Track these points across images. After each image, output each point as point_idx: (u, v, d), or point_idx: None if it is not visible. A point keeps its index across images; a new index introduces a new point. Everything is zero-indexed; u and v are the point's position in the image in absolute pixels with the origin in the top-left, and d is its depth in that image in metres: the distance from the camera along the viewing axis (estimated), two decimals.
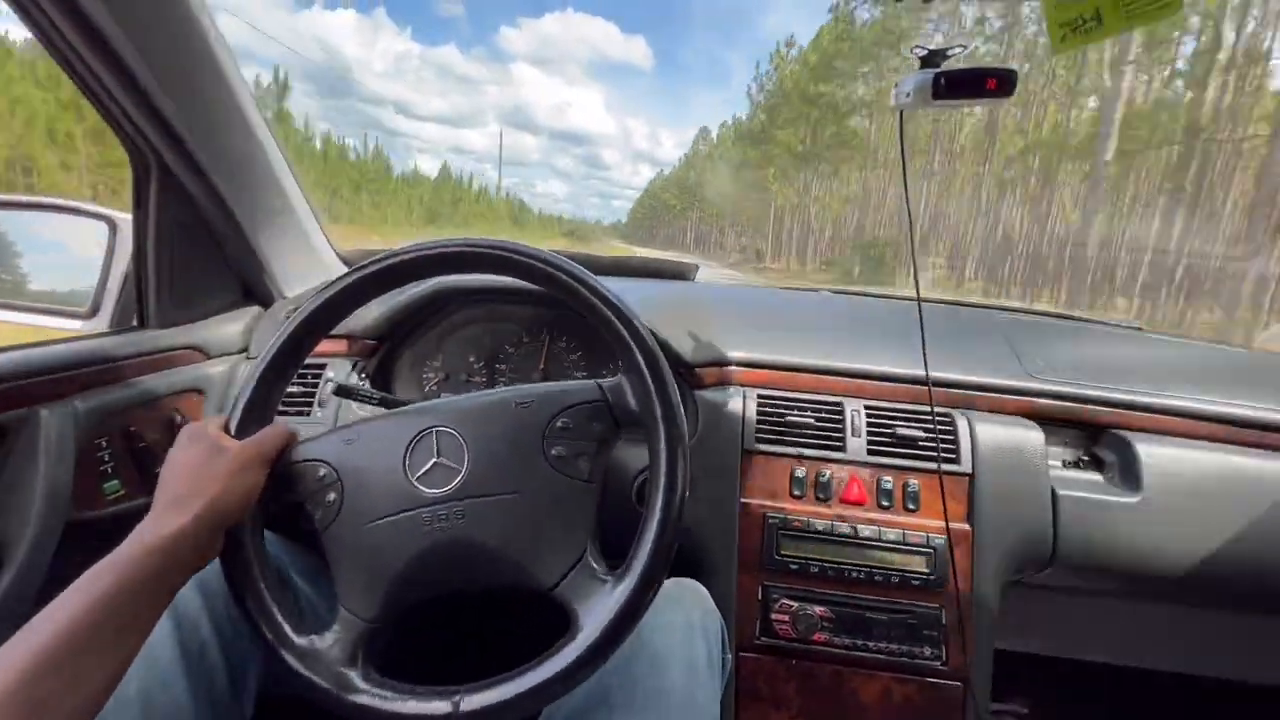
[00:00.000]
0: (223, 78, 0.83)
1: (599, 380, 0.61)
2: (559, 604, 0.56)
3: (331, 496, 0.59)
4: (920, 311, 0.75)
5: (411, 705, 0.52)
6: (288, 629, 0.56)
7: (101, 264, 0.95)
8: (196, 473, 0.54)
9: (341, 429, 0.63)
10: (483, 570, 0.57)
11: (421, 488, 0.58)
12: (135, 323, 0.96)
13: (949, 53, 0.68)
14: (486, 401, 0.61)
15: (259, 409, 0.62)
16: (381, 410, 0.74)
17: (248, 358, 1.03)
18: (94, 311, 0.95)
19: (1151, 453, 0.85)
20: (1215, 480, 0.84)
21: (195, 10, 0.76)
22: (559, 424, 0.59)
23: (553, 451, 0.58)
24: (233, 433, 0.59)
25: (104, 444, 0.83)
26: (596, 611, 0.53)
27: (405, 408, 0.65)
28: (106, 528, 0.82)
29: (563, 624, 0.54)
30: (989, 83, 0.58)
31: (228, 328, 1.03)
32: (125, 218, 0.95)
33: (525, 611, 0.59)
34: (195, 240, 0.96)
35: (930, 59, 0.68)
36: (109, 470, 0.84)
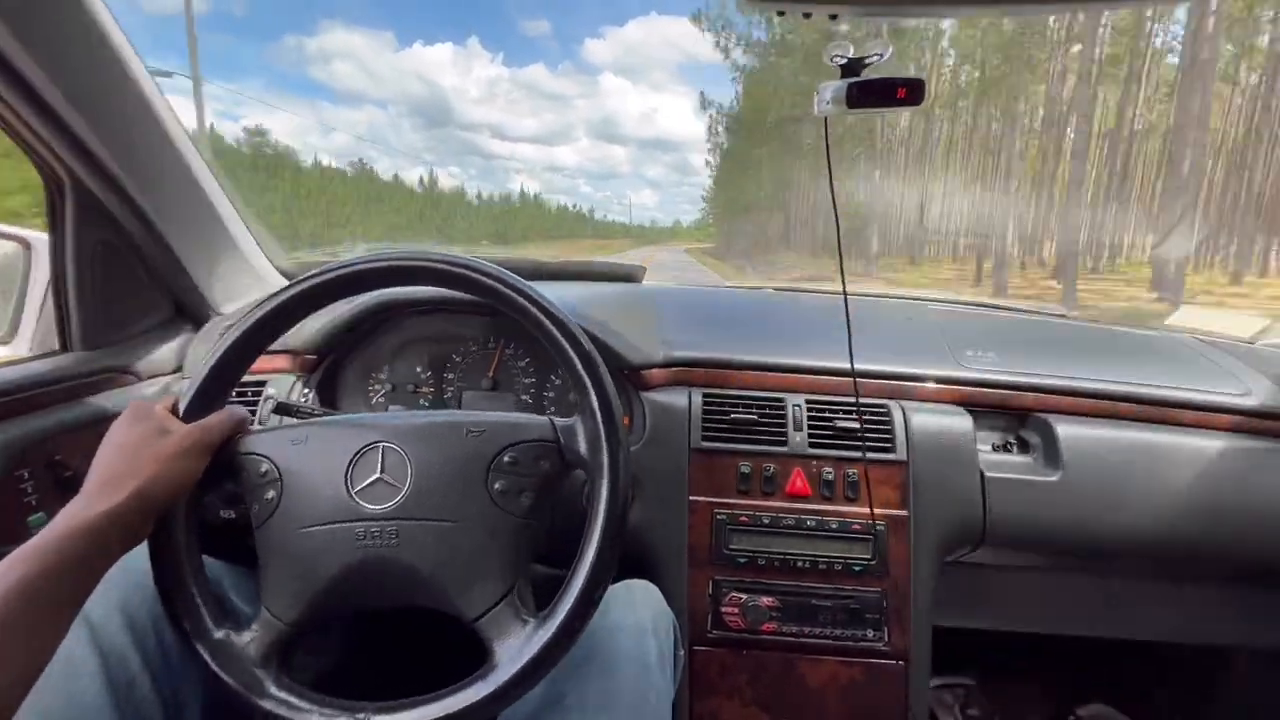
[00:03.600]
0: (138, 91, 0.80)
1: (553, 418, 0.62)
2: (479, 638, 0.56)
3: (270, 494, 0.59)
4: (846, 305, 0.78)
5: (315, 719, 0.53)
6: (208, 622, 0.56)
7: (17, 287, 0.91)
8: (135, 451, 0.52)
9: (291, 428, 0.63)
10: (409, 592, 0.58)
11: (360, 502, 0.58)
12: (58, 346, 0.92)
13: (867, 60, 0.71)
14: (438, 423, 0.61)
15: (211, 396, 0.61)
16: (320, 418, 0.73)
17: (181, 378, 1.00)
18: (11, 335, 0.91)
19: (1070, 433, 0.90)
20: (1128, 456, 0.90)
21: (101, 22, 0.73)
22: (506, 458, 0.59)
23: (496, 485, 0.58)
24: (181, 415, 0.59)
25: (26, 475, 0.80)
26: (512, 652, 0.54)
27: (358, 417, 0.65)
28: None
29: (481, 656, 0.55)
30: (899, 91, 0.61)
31: (159, 348, 1.00)
32: (41, 237, 0.91)
33: (448, 636, 0.60)
34: (120, 259, 0.93)
35: (850, 67, 0.70)
36: (33, 503, 0.80)
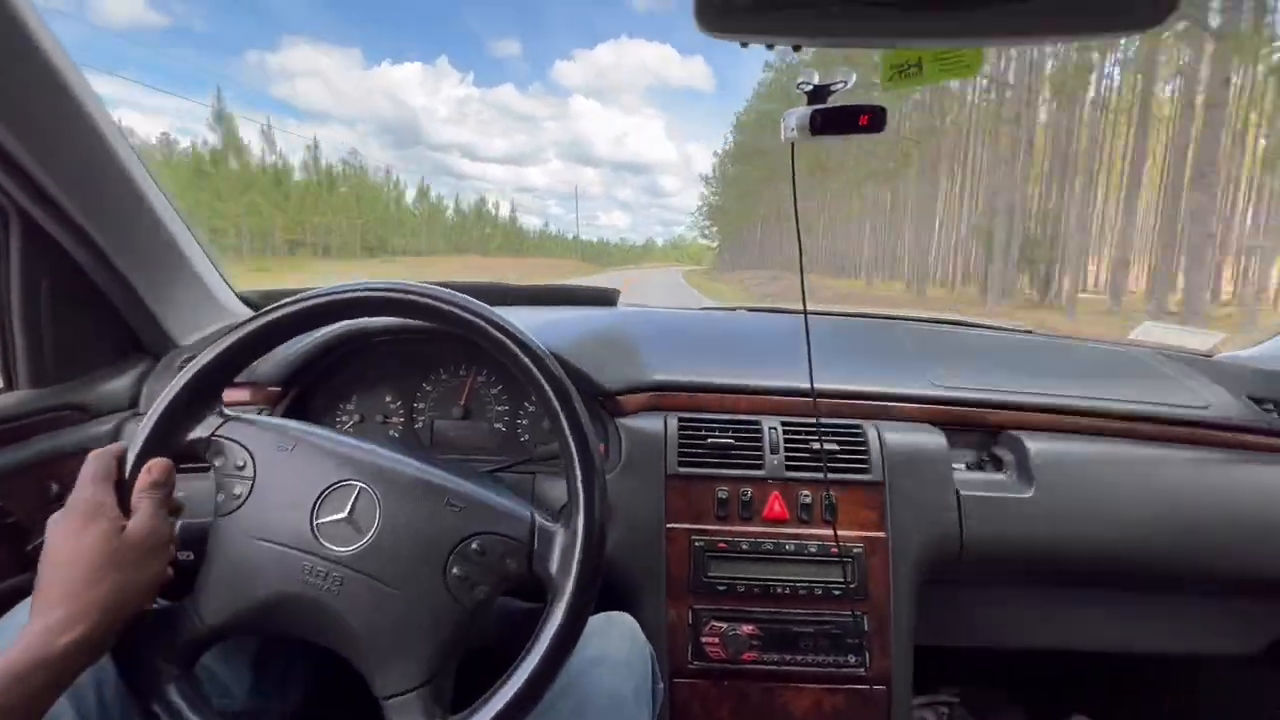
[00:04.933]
0: (85, 114, 0.77)
1: (539, 517, 0.59)
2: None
3: (239, 490, 0.58)
4: (806, 325, 0.77)
5: None
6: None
7: None
8: (92, 561, 0.47)
9: (285, 429, 0.61)
10: (334, 640, 0.56)
11: (319, 537, 0.56)
12: (1, 384, 0.87)
13: (833, 87, 0.72)
14: (424, 481, 0.59)
15: (164, 441, 0.59)
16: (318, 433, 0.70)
17: (137, 414, 0.96)
18: None
19: (1040, 449, 0.91)
20: (1097, 470, 0.92)
21: (43, 45, 0.70)
22: (474, 545, 0.57)
23: (454, 569, 0.56)
24: (130, 464, 0.56)
25: None
26: None
27: (350, 443, 0.62)
28: None
29: None
30: (861, 119, 0.62)
31: (114, 383, 0.96)
32: None
33: (358, 684, 0.58)
34: (70, 292, 0.89)
35: (816, 94, 0.71)
36: None
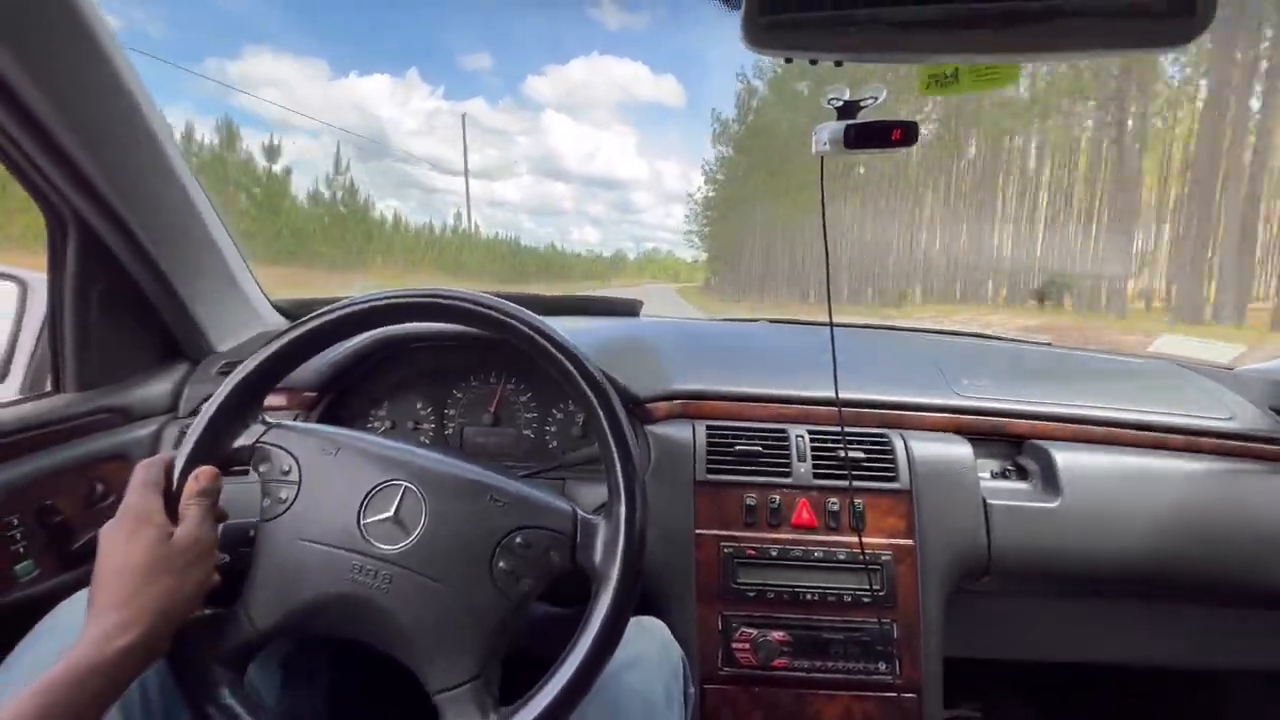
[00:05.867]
0: (147, 129, 0.80)
1: (579, 511, 0.60)
2: (437, 712, 0.54)
3: (285, 494, 0.59)
4: (832, 336, 0.79)
5: None
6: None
7: (10, 327, 0.90)
8: (144, 568, 0.49)
9: (325, 436, 0.63)
10: (383, 639, 0.57)
11: (367, 535, 0.58)
12: (49, 387, 0.90)
13: (863, 103, 0.74)
14: (466, 479, 0.61)
15: (208, 450, 0.60)
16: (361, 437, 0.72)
17: (175, 418, 0.98)
18: (2, 377, 0.89)
19: (1067, 459, 0.92)
20: (1124, 481, 0.92)
21: (112, 57, 0.73)
22: (519, 538, 0.58)
23: (500, 563, 0.57)
24: (178, 473, 0.57)
25: (15, 522, 0.77)
26: None
27: (392, 445, 0.64)
28: (19, 614, 0.75)
29: None
30: (894, 134, 0.64)
31: (153, 387, 0.98)
32: (38, 277, 0.90)
33: (385, 685, 0.59)
34: (118, 299, 0.92)
35: (846, 109, 0.73)
36: (21, 551, 0.77)
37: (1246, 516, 0.91)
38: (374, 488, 0.59)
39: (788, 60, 0.53)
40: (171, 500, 0.56)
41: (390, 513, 0.58)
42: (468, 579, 0.57)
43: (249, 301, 1.12)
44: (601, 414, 0.61)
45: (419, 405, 1.04)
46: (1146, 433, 0.97)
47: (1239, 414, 1.01)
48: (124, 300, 0.92)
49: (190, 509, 0.55)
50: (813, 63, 0.54)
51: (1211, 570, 0.91)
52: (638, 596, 0.58)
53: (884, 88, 0.74)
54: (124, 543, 0.50)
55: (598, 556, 0.58)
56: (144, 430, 0.95)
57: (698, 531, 0.88)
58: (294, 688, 0.79)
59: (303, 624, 0.58)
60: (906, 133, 0.64)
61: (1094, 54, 0.54)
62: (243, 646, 0.57)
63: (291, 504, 0.59)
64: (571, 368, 0.62)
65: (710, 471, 0.90)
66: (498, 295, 0.66)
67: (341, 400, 1.03)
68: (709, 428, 0.94)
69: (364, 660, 0.58)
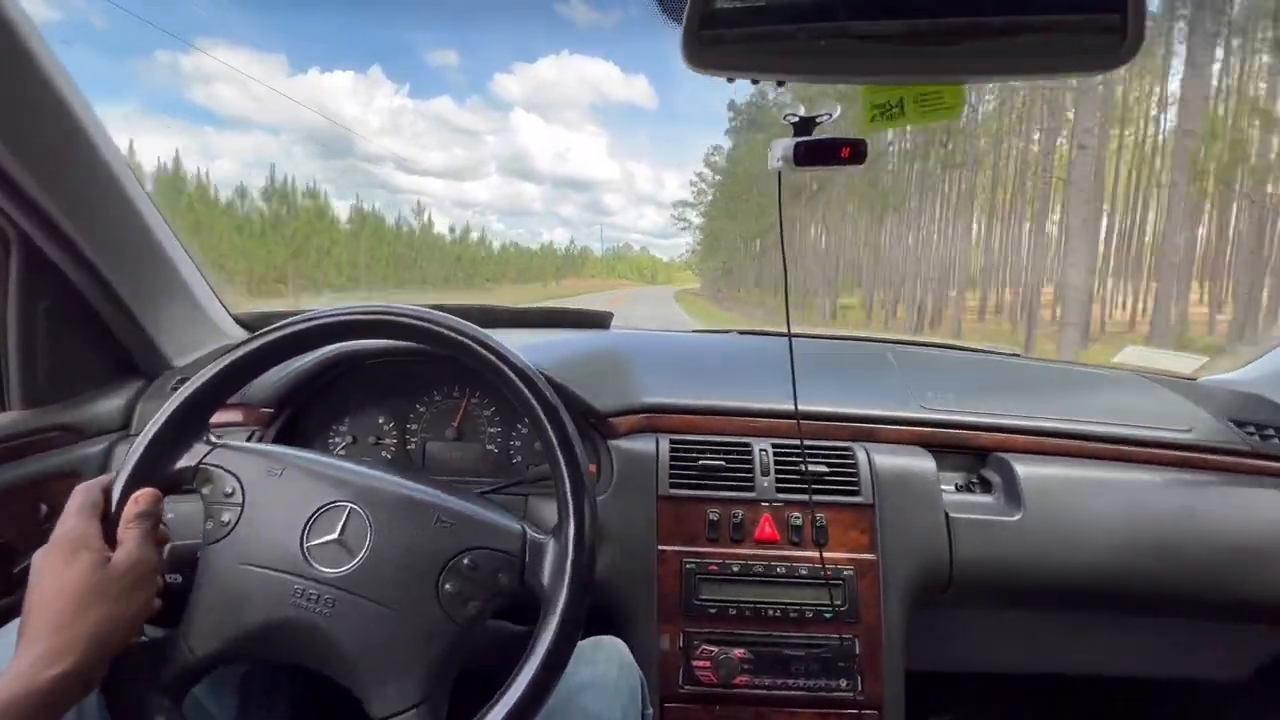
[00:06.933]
0: (87, 139, 0.78)
1: (529, 530, 0.60)
2: None
3: (227, 517, 0.58)
4: (790, 347, 0.78)
5: None
6: None
7: None
8: (79, 594, 0.47)
9: (274, 453, 0.61)
10: (326, 663, 0.56)
11: (310, 559, 0.57)
12: None
13: (818, 119, 0.74)
14: (412, 499, 0.60)
15: (153, 466, 0.58)
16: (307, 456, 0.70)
17: (128, 435, 0.96)
18: None
19: (1029, 472, 0.92)
20: (1084, 493, 0.92)
21: (44, 64, 0.71)
22: (466, 560, 0.57)
23: (446, 585, 0.56)
24: (119, 490, 0.56)
25: None
26: None
27: (338, 466, 0.62)
28: None
29: None
30: (843, 151, 0.64)
31: (105, 404, 0.96)
32: None
33: (343, 708, 0.58)
34: (65, 314, 0.90)
35: (801, 125, 0.74)
36: None
37: (1206, 528, 0.92)
38: (319, 509, 0.58)
39: (729, 80, 0.53)
40: (110, 524, 0.54)
41: (334, 534, 0.57)
42: (413, 602, 0.56)
43: (207, 315, 1.10)
44: (551, 432, 0.61)
45: (381, 420, 1.03)
46: (1108, 445, 0.98)
47: (1199, 425, 1.02)
48: (72, 315, 0.90)
49: (129, 533, 0.53)
50: (754, 83, 0.54)
51: (1172, 582, 0.91)
52: (584, 617, 0.57)
53: (838, 105, 0.74)
54: (58, 568, 0.49)
55: (546, 578, 0.57)
56: (95, 448, 0.92)
57: (660, 547, 0.87)
58: (252, 710, 0.78)
59: (244, 650, 0.57)
60: (855, 151, 0.64)
61: (1036, 76, 0.55)
62: (181, 674, 0.56)
63: (234, 527, 0.57)
64: (521, 385, 0.62)
65: (674, 486, 0.90)
66: (462, 307, 0.65)
67: (301, 416, 1.01)
68: (672, 442, 0.93)
69: (323, 681, 0.56)
